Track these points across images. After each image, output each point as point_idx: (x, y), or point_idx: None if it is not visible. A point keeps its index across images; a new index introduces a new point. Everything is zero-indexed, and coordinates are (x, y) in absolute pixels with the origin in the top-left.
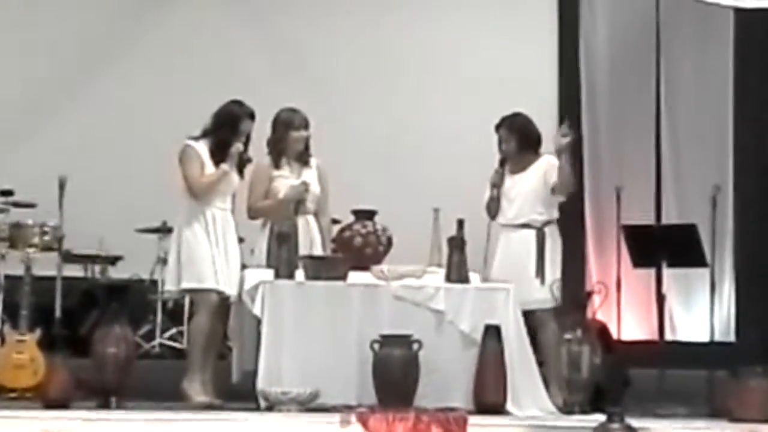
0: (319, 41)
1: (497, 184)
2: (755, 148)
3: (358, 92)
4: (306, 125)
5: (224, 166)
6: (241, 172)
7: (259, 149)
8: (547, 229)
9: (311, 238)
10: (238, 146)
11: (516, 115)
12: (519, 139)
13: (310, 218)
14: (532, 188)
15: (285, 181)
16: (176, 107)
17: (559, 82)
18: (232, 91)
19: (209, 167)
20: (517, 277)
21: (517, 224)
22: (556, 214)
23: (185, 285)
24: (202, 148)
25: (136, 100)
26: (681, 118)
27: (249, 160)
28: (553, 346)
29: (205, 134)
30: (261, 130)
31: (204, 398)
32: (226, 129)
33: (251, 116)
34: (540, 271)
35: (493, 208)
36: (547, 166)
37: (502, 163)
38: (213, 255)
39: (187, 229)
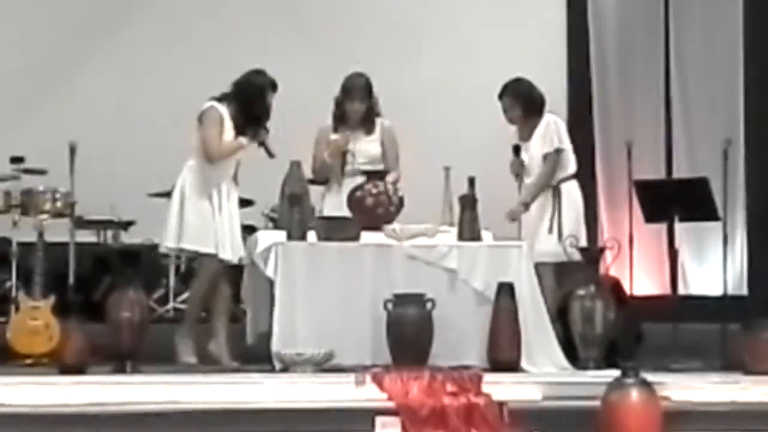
0: (331, 4)
1: (519, 173)
2: (766, 100)
3: (368, 52)
4: (363, 97)
5: (242, 140)
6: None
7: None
8: (563, 186)
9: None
10: (265, 132)
11: (517, 81)
12: (523, 105)
13: (360, 180)
14: (541, 153)
15: None
16: (188, 70)
17: (569, 39)
18: (244, 52)
19: (228, 133)
20: (531, 233)
21: None
22: (572, 169)
23: (185, 246)
24: (225, 111)
25: (146, 64)
26: (691, 72)
27: (267, 131)
28: (548, 300)
29: (227, 99)
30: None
31: (192, 359)
32: (252, 100)
33: (274, 87)
34: (551, 227)
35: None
36: (545, 128)
37: (517, 151)
38: (215, 221)
39: (192, 191)
